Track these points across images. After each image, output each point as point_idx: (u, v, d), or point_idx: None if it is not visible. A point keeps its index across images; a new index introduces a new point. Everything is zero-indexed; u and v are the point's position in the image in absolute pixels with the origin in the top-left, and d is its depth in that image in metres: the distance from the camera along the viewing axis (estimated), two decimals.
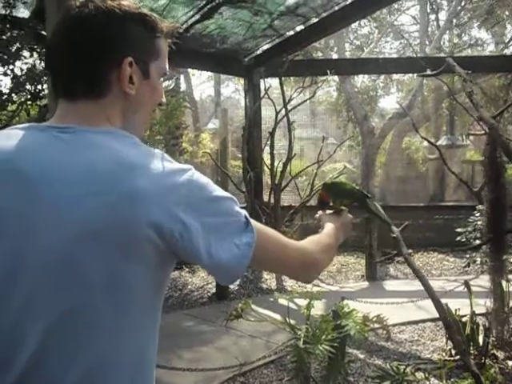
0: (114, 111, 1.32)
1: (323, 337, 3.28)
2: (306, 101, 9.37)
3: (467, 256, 7.63)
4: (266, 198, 9.38)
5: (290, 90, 9.30)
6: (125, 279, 1.17)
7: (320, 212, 2.13)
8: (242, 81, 32.84)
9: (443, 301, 5.45)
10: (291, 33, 8.53)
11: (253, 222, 1.31)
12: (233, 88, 36.30)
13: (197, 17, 7.30)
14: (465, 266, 7.86)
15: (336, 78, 14.80)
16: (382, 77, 18.48)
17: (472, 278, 6.62)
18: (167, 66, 1.42)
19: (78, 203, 1.13)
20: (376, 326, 3.92)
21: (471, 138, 22.01)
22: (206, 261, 1.22)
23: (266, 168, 9.27)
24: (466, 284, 4.86)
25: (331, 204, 2.20)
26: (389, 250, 8.94)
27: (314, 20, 8.13)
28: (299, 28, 8.44)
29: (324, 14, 7.90)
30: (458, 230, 7.00)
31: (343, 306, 3.53)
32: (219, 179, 10.00)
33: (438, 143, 14.88)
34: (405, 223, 3.52)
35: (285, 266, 1.47)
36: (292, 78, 12.96)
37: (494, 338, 4.75)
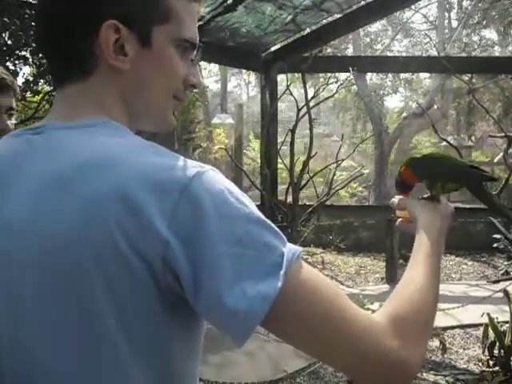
0: (107, 95, 1.01)
1: None
2: (329, 97, 9.19)
3: (505, 263, 7.51)
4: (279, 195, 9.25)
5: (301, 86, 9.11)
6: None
7: (398, 197, 1.47)
8: (246, 76, 32.87)
9: (475, 307, 5.37)
10: (312, 28, 8.37)
11: (296, 267, 0.88)
12: (235, 83, 36.35)
13: (220, 9, 7.13)
14: (502, 274, 7.70)
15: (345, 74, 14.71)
16: (390, 75, 18.28)
17: (500, 279, 6.45)
18: (190, 33, 1.04)
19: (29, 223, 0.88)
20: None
21: (473, 138, 22.02)
22: (192, 299, 0.86)
23: (279, 166, 9.11)
24: (506, 292, 4.70)
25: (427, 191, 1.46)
26: (405, 251, 8.84)
27: (337, 16, 7.97)
28: (320, 24, 8.29)
29: (348, 10, 7.73)
30: (496, 236, 6.87)
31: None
32: (233, 175, 9.83)
33: (444, 144, 14.73)
34: None
35: (336, 356, 0.92)
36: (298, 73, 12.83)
37: None
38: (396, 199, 1.45)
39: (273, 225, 0.90)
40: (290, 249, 0.88)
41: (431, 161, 1.50)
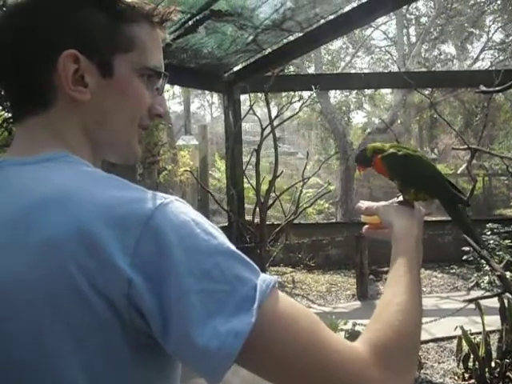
0: (68, 127, 0.97)
1: None
2: (292, 116, 9.20)
3: (475, 275, 7.54)
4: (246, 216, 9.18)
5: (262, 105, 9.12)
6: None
7: (365, 202, 1.36)
8: (209, 96, 32.91)
9: (447, 320, 5.35)
10: (274, 47, 8.40)
11: (271, 299, 0.82)
12: (198, 104, 36.46)
13: (181, 31, 7.11)
14: (473, 286, 7.74)
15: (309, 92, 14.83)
16: (354, 92, 18.48)
17: (470, 296, 6.47)
18: (154, 61, 1.02)
19: None
20: None
21: (436, 151, 22.37)
22: (161, 338, 0.80)
23: (246, 186, 9.07)
24: (477, 304, 4.69)
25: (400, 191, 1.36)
26: (375, 267, 8.84)
27: (298, 35, 8.00)
28: (281, 43, 8.32)
29: (308, 29, 7.77)
30: (465, 248, 6.90)
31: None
32: (199, 198, 9.75)
33: None
34: None
35: None
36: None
37: (508, 360, 4.59)
38: (363, 204, 1.35)
39: (244, 255, 0.85)
40: (263, 280, 0.83)
41: (411, 162, 1.38)
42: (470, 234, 1.47)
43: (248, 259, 0.85)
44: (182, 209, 0.85)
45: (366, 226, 1.37)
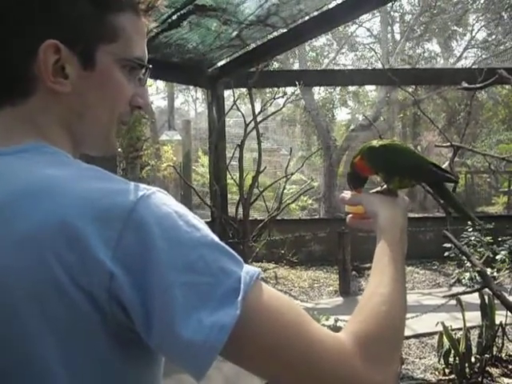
0: (47, 119, 0.94)
1: None
2: (276, 112, 9.20)
3: (456, 271, 7.59)
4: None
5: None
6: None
7: (348, 192, 1.35)
8: (193, 92, 32.82)
9: (429, 316, 5.38)
10: (258, 43, 8.38)
11: (255, 291, 0.81)
12: (182, 99, 36.37)
13: (164, 26, 7.07)
14: (454, 282, 7.79)
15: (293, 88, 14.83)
16: (338, 89, 18.51)
17: (454, 292, 6.51)
18: (138, 52, 0.99)
19: None
20: None
21: (419, 148, 22.49)
22: (144, 332, 0.79)
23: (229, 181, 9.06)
24: (458, 300, 4.72)
25: (382, 184, 1.34)
26: (357, 263, 8.87)
27: (282, 31, 7.99)
28: (266, 39, 8.31)
29: (293, 25, 7.76)
30: (447, 245, 6.95)
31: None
32: (182, 193, 9.72)
33: None
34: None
35: (302, 381, 0.84)
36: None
37: (488, 355, 4.63)
38: (347, 194, 1.34)
39: (228, 247, 0.84)
40: (247, 271, 0.82)
41: (391, 151, 1.34)
42: (462, 212, 1.42)
43: (232, 251, 0.83)
44: (165, 200, 0.83)
45: (350, 216, 1.35)
